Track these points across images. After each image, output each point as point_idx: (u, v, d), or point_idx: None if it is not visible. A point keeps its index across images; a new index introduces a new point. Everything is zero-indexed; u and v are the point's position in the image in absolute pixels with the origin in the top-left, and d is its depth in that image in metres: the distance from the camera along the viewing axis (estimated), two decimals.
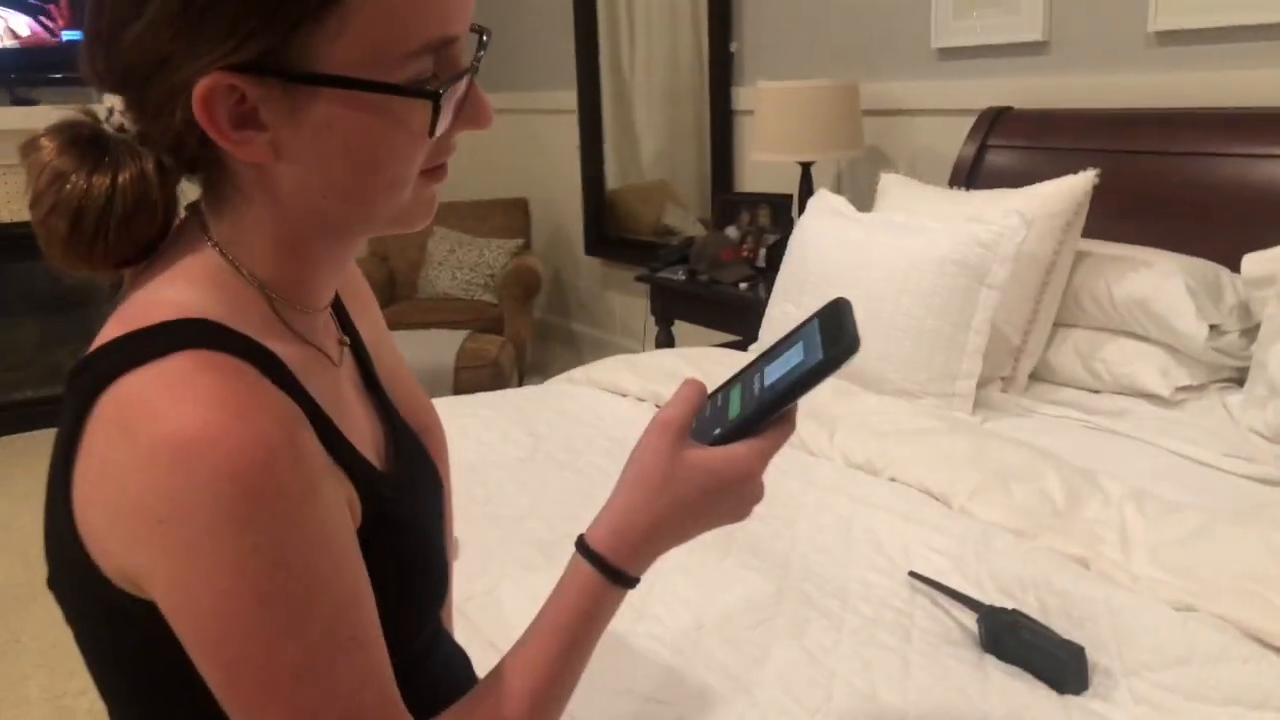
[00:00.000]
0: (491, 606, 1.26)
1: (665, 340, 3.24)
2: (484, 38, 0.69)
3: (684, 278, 3.10)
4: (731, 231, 3.21)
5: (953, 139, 2.80)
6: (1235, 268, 2.15)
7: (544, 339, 4.82)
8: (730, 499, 0.68)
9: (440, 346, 3.51)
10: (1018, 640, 1.13)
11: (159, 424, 0.55)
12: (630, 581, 0.69)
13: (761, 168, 3.44)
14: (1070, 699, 1.06)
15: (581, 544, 0.69)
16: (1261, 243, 2.10)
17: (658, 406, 2.03)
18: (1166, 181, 2.31)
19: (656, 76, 3.95)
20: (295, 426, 0.58)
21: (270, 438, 0.56)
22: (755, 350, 2.46)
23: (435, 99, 0.61)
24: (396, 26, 0.59)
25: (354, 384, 0.77)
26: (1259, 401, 1.92)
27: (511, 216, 4.39)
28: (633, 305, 4.18)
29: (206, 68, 0.58)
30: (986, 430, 1.81)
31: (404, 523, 0.72)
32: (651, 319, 3.28)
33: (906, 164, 3.01)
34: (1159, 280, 2.07)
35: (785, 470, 1.65)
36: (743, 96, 3.51)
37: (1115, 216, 2.26)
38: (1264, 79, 2.23)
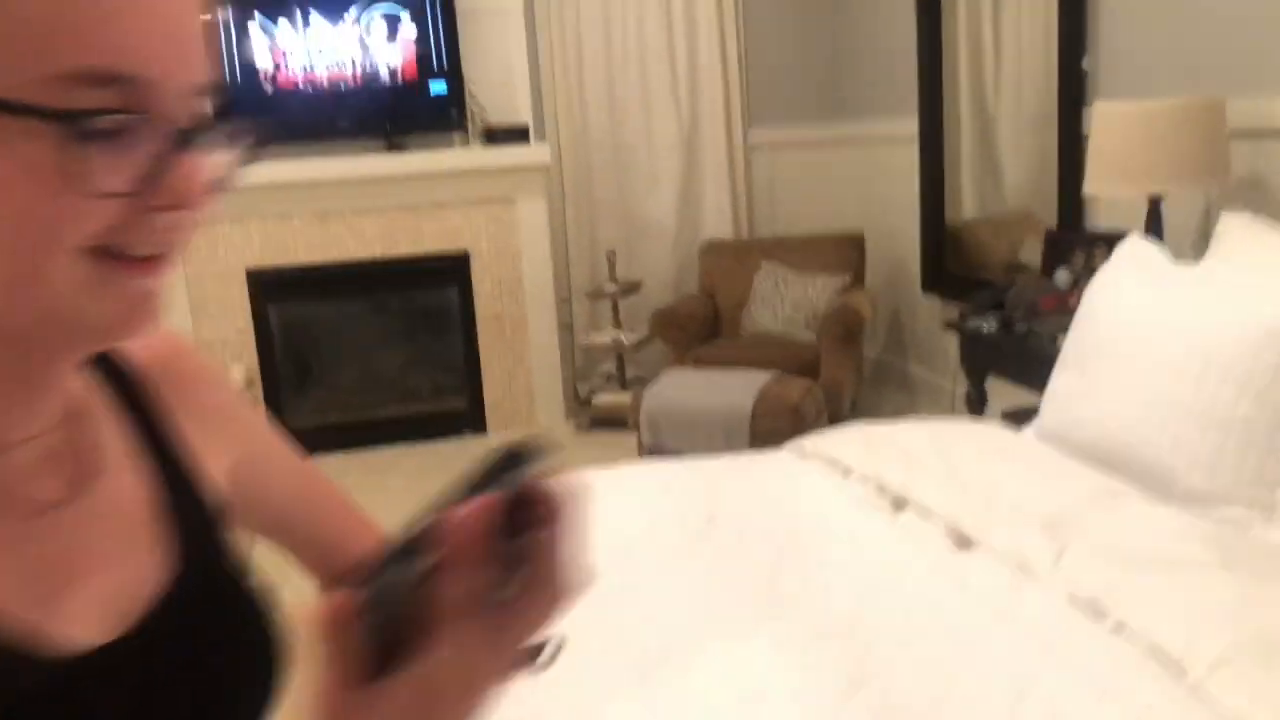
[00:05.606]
0: None
1: (977, 397, 2.86)
2: (229, 107, 0.53)
3: (996, 327, 2.71)
4: (1062, 275, 2.77)
5: None
6: None
7: (879, 380, 4.50)
8: None
9: (739, 389, 3.34)
10: None
11: None
12: None
13: (1114, 201, 2.93)
14: None
15: None
16: None
17: (881, 489, 1.74)
18: None
19: (1023, 99, 3.56)
20: None
21: None
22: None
23: (65, 120, 0.43)
24: (30, 33, 0.43)
25: (123, 516, 0.57)
26: None
27: (843, 252, 4.14)
28: None
29: None
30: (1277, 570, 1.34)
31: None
32: (962, 372, 2.92)
33: None
34: None
35: (973, 602, 1.31)
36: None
37: None
38: None
